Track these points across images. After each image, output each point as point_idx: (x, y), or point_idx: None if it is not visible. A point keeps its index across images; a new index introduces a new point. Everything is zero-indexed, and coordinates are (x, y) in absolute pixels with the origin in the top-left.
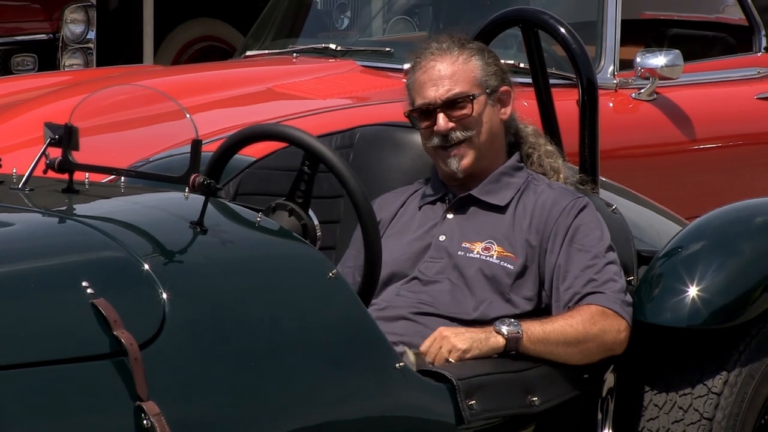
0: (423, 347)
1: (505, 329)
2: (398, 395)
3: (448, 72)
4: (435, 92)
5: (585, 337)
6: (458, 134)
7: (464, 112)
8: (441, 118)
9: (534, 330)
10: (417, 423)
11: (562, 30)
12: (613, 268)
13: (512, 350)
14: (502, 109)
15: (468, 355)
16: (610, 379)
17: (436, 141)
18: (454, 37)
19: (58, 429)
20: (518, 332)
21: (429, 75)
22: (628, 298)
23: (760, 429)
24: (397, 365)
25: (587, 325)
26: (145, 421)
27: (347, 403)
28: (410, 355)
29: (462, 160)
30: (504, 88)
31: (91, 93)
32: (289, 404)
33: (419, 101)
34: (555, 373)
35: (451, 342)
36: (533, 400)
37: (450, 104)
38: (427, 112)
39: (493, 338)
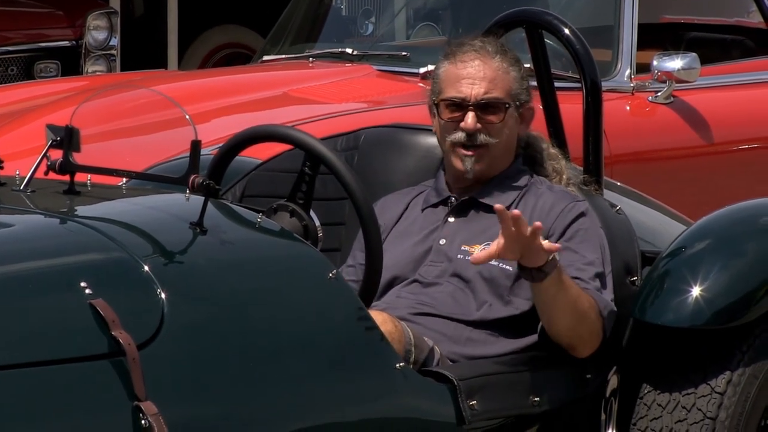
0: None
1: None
2: (399, 396)
3: (489, 75)
4: (471, 90)
5: (585, 317)
6: (483, 137)
7: (495, 117)
8: (471, 117)
9: (565, 275)
10: (418, 424)
11: (566, 31)
12: (602, 280)
13: (545, 272)
14: (522, 125)
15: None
16: (613, 379)
17: (460, 137)
18: (496, 43)
19: (56, 429)
20: (557, 264)
21: (468, 71)
22: (610, 313)
23: (763, 429)
24: (398, 366)
25: (591, 309)
26: (143, 421)
27: (347, 404)
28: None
29: (477, 163)
30: (530, 105)
31: (89, 96)
32: (289, 405)
33: (452, 93)
34: (558, 373)
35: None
36: (535, 401)
37: (484, 107)
38: (458, 106)
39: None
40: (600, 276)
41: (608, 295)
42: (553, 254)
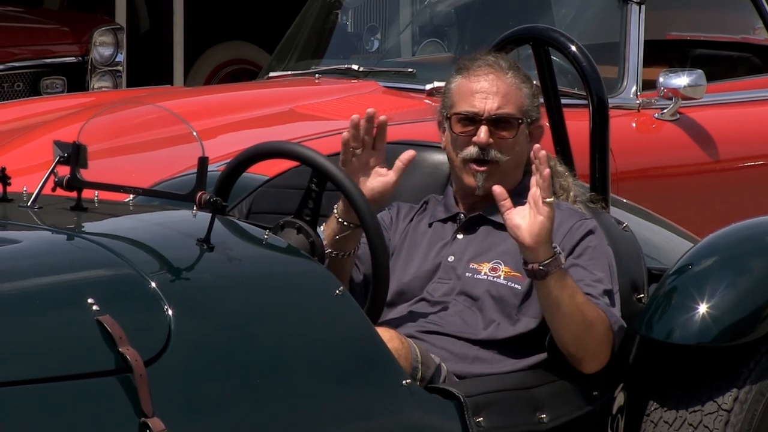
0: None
1: (561, 254)
2: (405, 413)
3: (503, 90)
4: (485, 104)
5: (592, 327)
6: (495, 153)
7: (508, 133)
8: (484, 131)
9: (571, 280)
10: None
11: (573, 48)
12: (610, 298)
13: (548, 269)
14: (531, 143)
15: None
16: (620, 396)
17: (472, 152)
18: (509, 58)
19: None
20: (563, 264)
21: (481, 85)
22: (620, 329)
23: None
24: (404, 382)
25: (599, 321)
26: None
27: (354, 421)
28: None
29: (487, 180)
30: (539, 123)
31: (96, 113)
32: (295, 422)
33: (465, 107)
34: (564, 390)
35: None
36: (542, 418)
37: (496, 121)
38: (470, 120)
39: (549, 246)
40: (609, 293)
41: (617, 312)
42: (556, 254)
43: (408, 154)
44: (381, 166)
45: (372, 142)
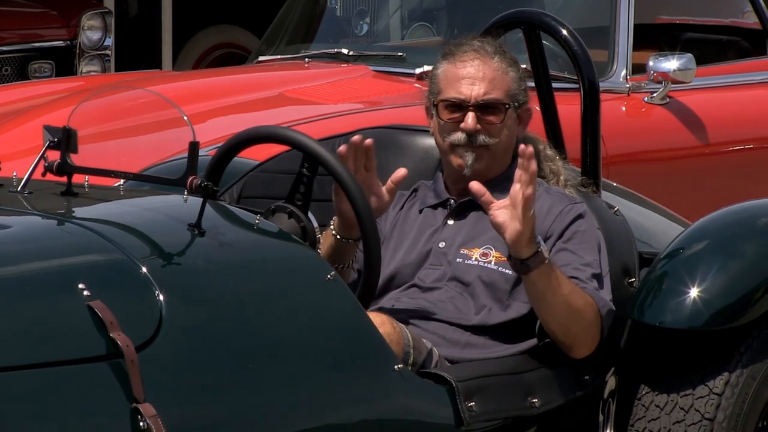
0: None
1: (543, 247)
2: (397, 397)
3: (489, 75)
4: (471, 90)
5: (579, 315)
6: (483, 138)
7: (495, 118)
8: (471, 118)
9: (557, 272)
10: (416, 425)
11: (564, 32)
12: (600, 281)
13: (530, 265)
14: (519, 126)
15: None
16: (611, 380)
17: (460, 138)
18: (495, 43)
19: (54, 431)
20: (547, 258)
21: (467, 71)
22: (609, 313)
23: (761, 430)
24: (396, 367)
25: (587, 307)
26: (141, 423)
27: (345, 406)
28: None
29: (477, 161)
30: (527, 106)
31: (86, 97)
32: (287, 407)
33: (452, 94)
34: (556, 374)
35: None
36: (533, 402)
37: (483, 107)
38: (457, 106)
39: (532, 243)
40: (597, 277)
41: (606, 295)
42: (539, 251)
43: (399, 173)
44: (376, 185)
45: (364, 164)
